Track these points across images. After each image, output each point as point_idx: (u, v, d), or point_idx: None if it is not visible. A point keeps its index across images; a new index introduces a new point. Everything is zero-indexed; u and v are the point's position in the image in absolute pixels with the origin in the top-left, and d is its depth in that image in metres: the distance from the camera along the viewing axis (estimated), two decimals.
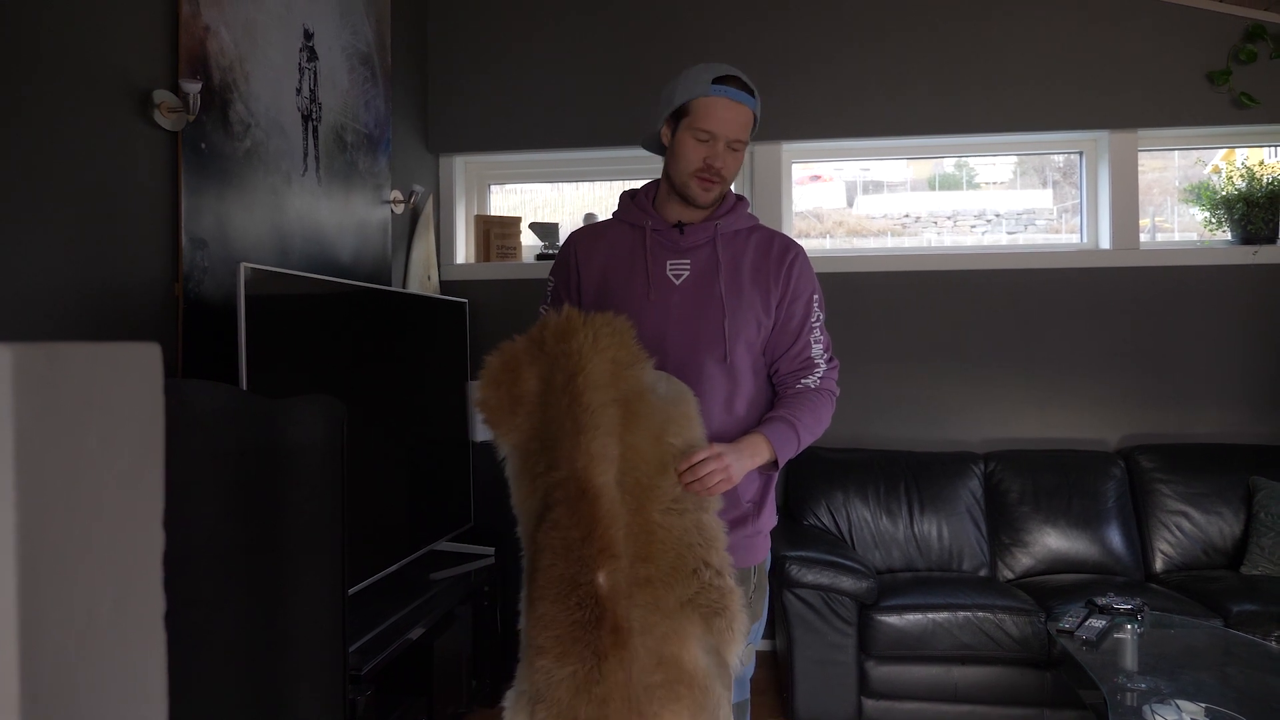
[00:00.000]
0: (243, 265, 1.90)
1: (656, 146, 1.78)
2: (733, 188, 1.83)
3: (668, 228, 1.72)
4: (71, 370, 0.64)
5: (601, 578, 1.42)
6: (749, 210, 1.79)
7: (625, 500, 1.45)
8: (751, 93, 1.67)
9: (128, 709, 0.70)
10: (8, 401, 0.58)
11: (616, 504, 1.44)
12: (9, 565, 0.59)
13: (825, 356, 1.74)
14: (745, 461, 1.57)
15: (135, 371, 0.71)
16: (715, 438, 1.61)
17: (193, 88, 2.01)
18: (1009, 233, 3.95)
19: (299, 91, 2.56)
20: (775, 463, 1.64)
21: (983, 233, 3.97)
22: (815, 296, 1.74)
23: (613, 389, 1.47)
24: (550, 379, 1.51)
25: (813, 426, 1.67)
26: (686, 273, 1.69)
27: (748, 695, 1.76)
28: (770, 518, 1.78)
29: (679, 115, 1.68)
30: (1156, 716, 1.93)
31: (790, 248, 1.73)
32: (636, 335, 1.60)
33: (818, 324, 1.74)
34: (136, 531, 0.71)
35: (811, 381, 1.71)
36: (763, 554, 1.75)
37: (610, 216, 1.85)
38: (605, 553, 1.42)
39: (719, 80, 1.64)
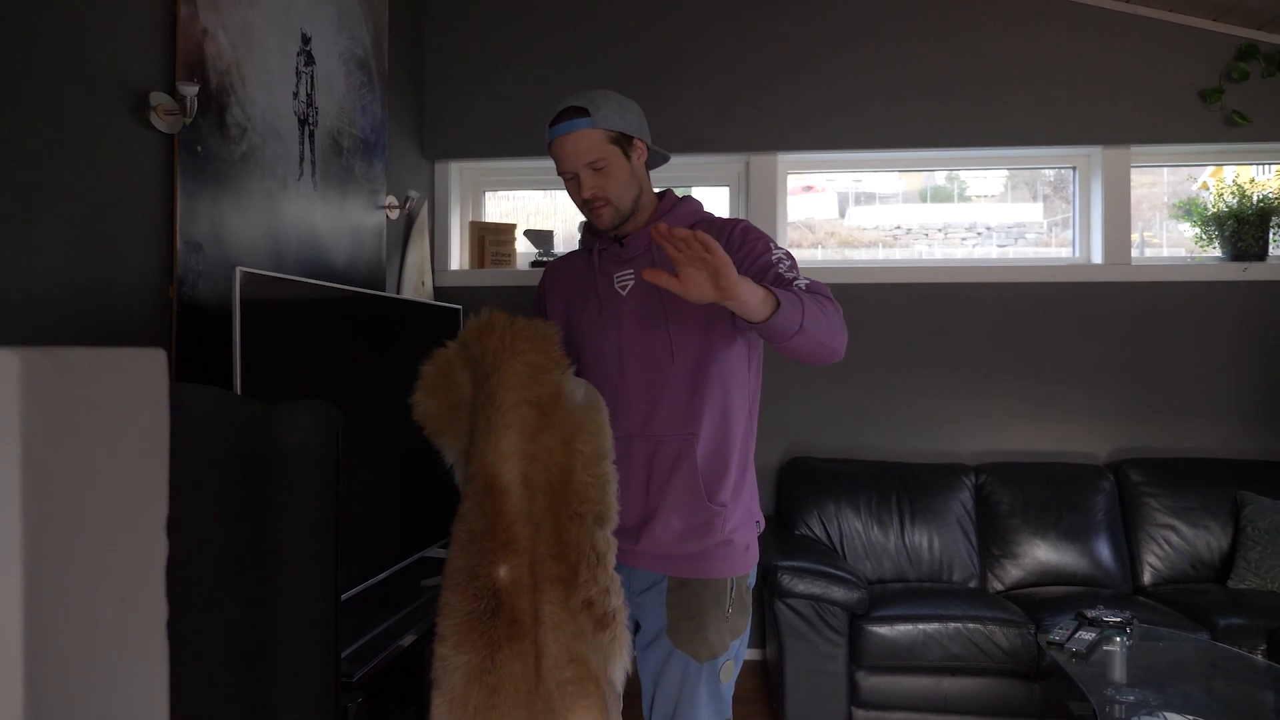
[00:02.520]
0: (238, 269, 1.89)
1: None
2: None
3: (611, 243, 1.76)
4: (77, 375, 0.64)
5: (503, 571, 1.46)
6: (698, 207, 1.79)
7: (538, 499, 1.49)
8: (581, 111, 1.64)
9: (130, 712, 0.69)
10: (14, 406, 0.58)
11: (522, 500, 1.48)
12: (15, 569, 0.58)
13: (803, 282, 1.55)
14: (743, 283, 1.35)
15: (141, 377, 0.71)
16: (675, 429, 1.64)
17: (190, 90, 2.00)
18: (999, 245, 3.97)
19: (296, 96, 2.55)
20: (771, 317, 1.38)
21: (973, 245, 3.99)
22: (772, 245, 1.65)
23: (528, 390, 1.50)
24: (474, 379, 1.56)
25: (814, 309, 1.44)
26: (631, 282, 1.71)
27: (729, 715, 1.75)
28: (748, 528, 1.74)
29: None
30: None
31: (729, 224, 1.71)
32: (597, 350, 1.67)
33: (785, 263, 1.61)
34: (140, 537, 0.71)
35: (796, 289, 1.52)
36: (743, 567, 1.71)
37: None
38: (507, 547, 1.46)
39: (552, 123, 1.67)
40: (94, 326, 1.82)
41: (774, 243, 1.69)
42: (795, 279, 1.56)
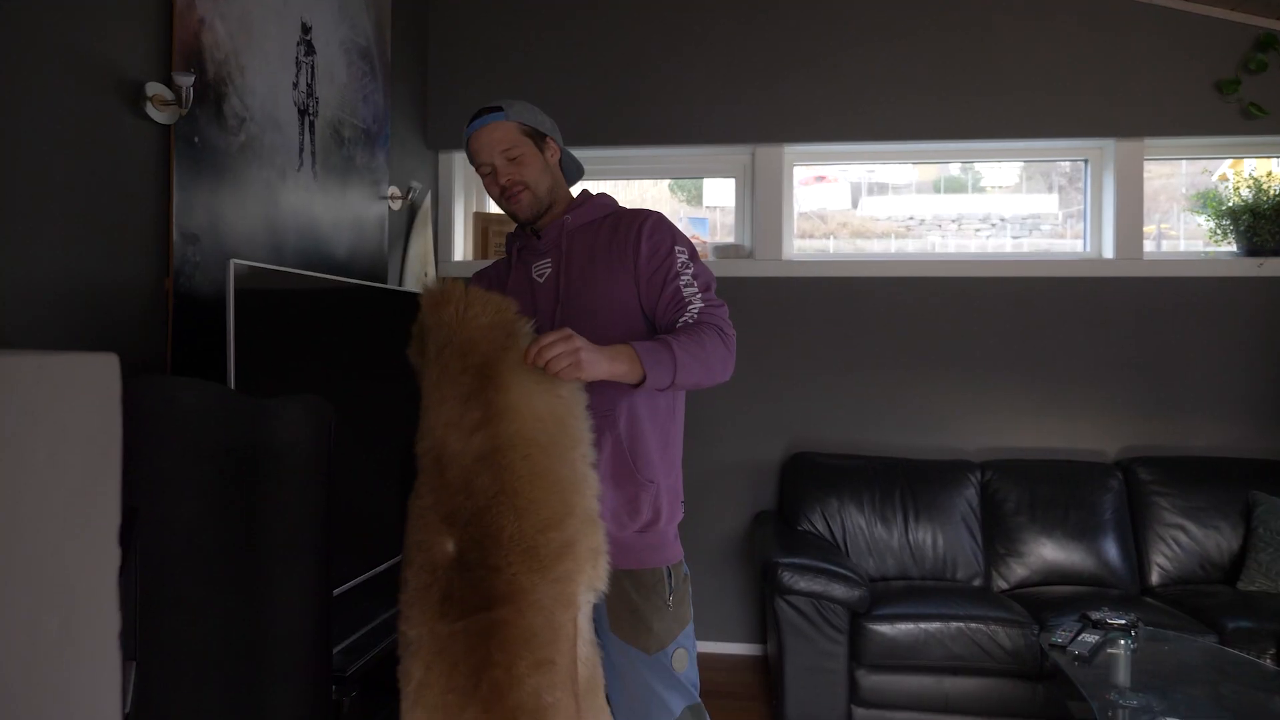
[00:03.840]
0: (232, 261, 1.88)
1: None
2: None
3: (529, 239, 1.83)
4: (17, 382, 0.62)
5: (450, 545, 1.45)
6: (612, 202, 1.86)
7: (487, 473, 1.45)
8: (495, 109, 1.77)
9: None
10: None
11: (467, 471, 1.45)
12: None
13: (701, 296, 1.69)
14: (601, 358, 1.48)
15: (91, 383, 0.69)
16: (593, 404, 1.64)
17: (186, 80, 1.98)
18: (1014, 237, 3.92)
19: (296, 86, 2.54)
20: (644, 379, 1.53)
21: (987, 236, 3.94)
22: (678, 248, 1.73)
23: (481, 356, 1.47)
24: (425, 351, 1.54)
25: (694, 351, 1.57)
26: (548, 270, 1.79)
27: (697, 700, 1.76)
28: (674, 509, 1.77)
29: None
30: None
31: (640, 215, 1.78)
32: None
33: (688, 270, 1.72)
34: (88, 548, 0.69)
35: (689, 317, 1.66)
36: (674, 555, 1.76)
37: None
38: (449, 520, 1.46)
39: (468, 124, 1.80)
40: (90, 320, 1.81)
41: (680, 246, 1.74)
42: (692, 296, 1.68)
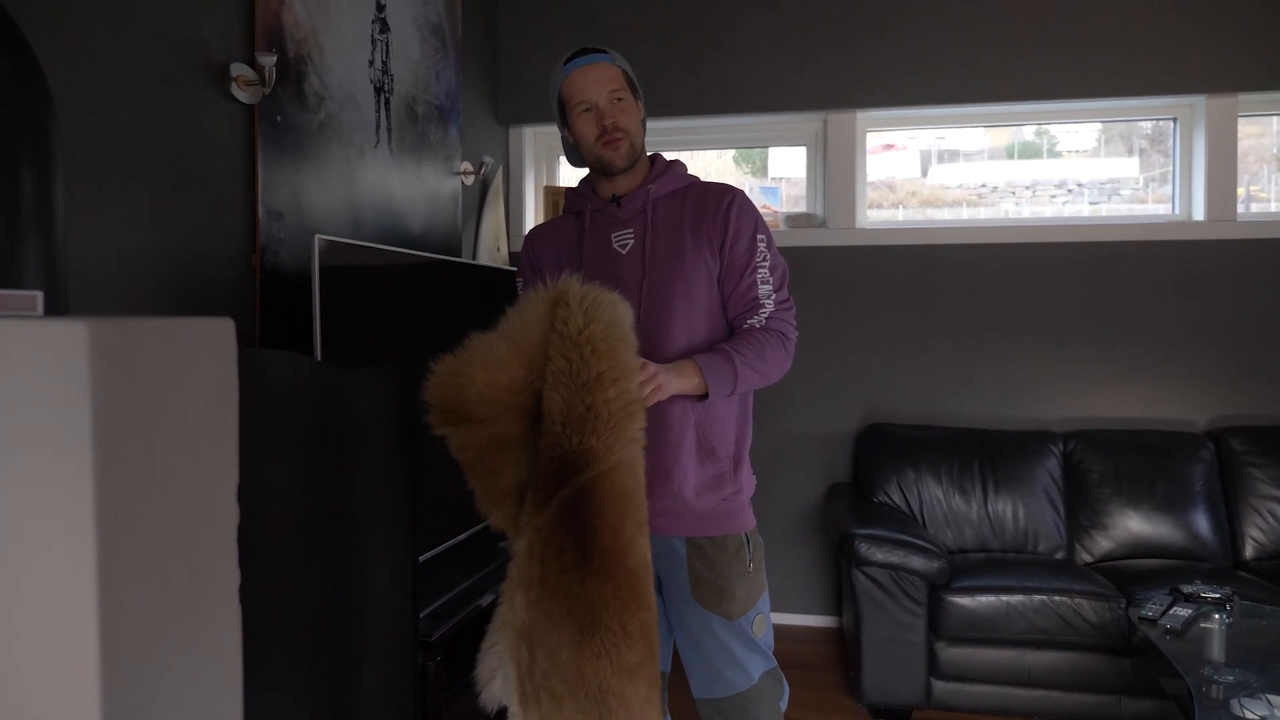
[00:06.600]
0: (316, 237, 1.92)
1: (575, 156, 1.83)
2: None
3: (605, 204, 1.78)
4: (146, 345, 0.64)
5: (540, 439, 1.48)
6: (686, 170, 1.83)
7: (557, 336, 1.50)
8: (601, 50, 1.74)
9: (203, 677, 0.71)
10: (84, 376, 0.59)
11: (517, 381, 1.53)
12: (88, 538, 0.60)
13: (775, 296, 1.74)
14: (674, 379, 1.57)
15: (209, 346, 0.71)
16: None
17: (268, 60, 2.03)
18: (1091, 203, 3.79)
19: (371, 63, 2.57)
20: (706, 393, 1.63)
21: (1063, 203, 3.81)
22: (759, 236, 1.74)
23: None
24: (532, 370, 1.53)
25: (754, 363, 1.66)
26: (631, 241, 1.75)
27: (775, 664, 1.78)
28: (749, 480, 1.79)
29: (563, 112, 1.77)
30: (1245, 711, 1.85)
31: (727, 192, 1.76)
32: None
33: (765, 263, 1.74)
34: (211, 505, 0.71)
35: (757, 321, 1.72)
36: (751, 520, 1.78)
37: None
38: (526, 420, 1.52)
39: (568, 61, 1.74)
40: (180, 296, 1.87)
41: (761, 234, 1.74)
42: (766, 296, 1.71)
